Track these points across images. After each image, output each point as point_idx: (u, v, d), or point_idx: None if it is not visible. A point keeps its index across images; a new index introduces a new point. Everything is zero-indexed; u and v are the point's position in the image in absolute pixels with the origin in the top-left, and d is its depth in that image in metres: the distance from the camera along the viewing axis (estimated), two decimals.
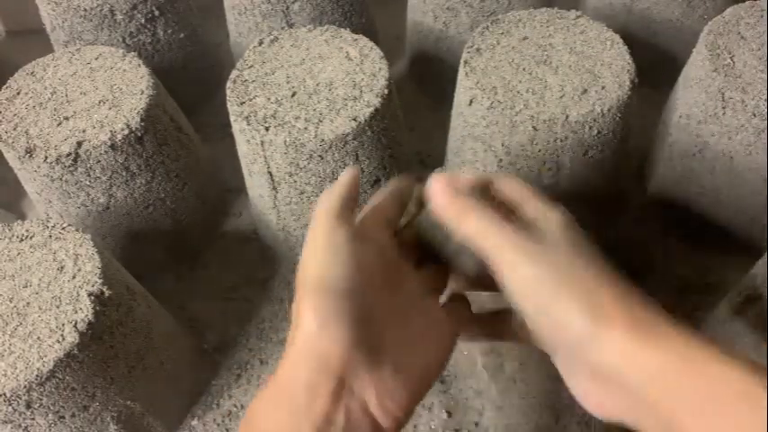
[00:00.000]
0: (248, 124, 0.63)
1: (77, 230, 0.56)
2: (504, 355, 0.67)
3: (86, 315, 0.51)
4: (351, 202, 0.37)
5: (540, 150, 0.64)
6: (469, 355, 0.68)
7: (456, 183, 0.36)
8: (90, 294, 0.52)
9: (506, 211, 0.37)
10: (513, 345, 0.69)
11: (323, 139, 0.62)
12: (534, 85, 0.64)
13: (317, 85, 0.66)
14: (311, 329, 0.31)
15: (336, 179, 0.40)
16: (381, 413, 0.31)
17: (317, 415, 0.30)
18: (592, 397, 0.33)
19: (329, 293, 0.31)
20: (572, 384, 0.34)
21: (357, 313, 0.31)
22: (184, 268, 0.80)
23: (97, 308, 0.52)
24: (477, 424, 0.63)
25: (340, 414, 0.30)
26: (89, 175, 0.65)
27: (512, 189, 0.38)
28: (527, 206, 0.37)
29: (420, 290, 0.38)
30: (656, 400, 0.29)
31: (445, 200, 0.36)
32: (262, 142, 0.63)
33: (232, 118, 0.65)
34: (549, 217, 0.36)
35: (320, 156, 0.63)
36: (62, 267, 0.54)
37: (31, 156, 0.63)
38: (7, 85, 0.70)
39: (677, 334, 0.31)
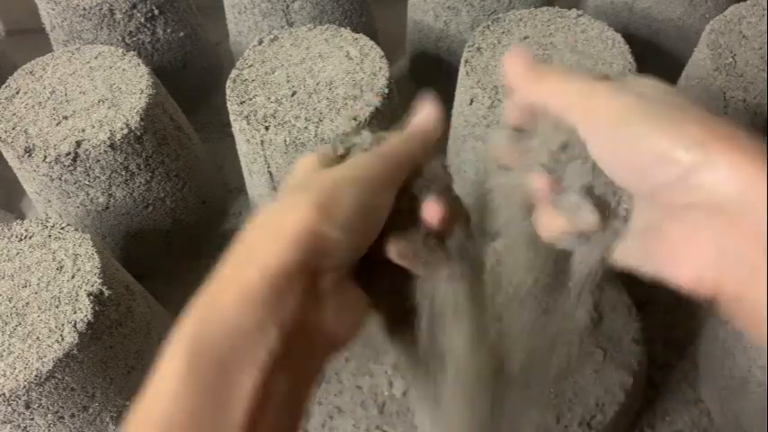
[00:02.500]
0: (248, 123, 0.63)
1: (77, 230, 0.56)
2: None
3: (86, 315, 0.51)
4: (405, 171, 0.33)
5: None
6: None
7: (527, 53, 0.32)
8: (89, 294, 0.52)
9: None
10: None
11: (323, 139, 0.61)
12: None
13: (317, 84, 0.66)
14: (305, 220, 0.27)
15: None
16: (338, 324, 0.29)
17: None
18: (681, 260, 0.28)
19: (340, 211, 0.28)
20: (654, 255, 0.29)
21: (359, 237, 0.29)
22: (184, 268, 0.80)
23: (96, 308, 0.52)
24: None
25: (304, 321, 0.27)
26: (88, 175, 0.65)
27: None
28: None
29: None
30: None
31: (519, 70, 0.32)
32: (262, 142, 0.63)
33: (232, 117, 0.65)
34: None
35: None
36: (61, 267, 0.54)
37: (30, 155, 0.63)
38: (6, 84, 0.70)
39: None
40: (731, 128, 0.25)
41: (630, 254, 0.30)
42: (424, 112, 0.37)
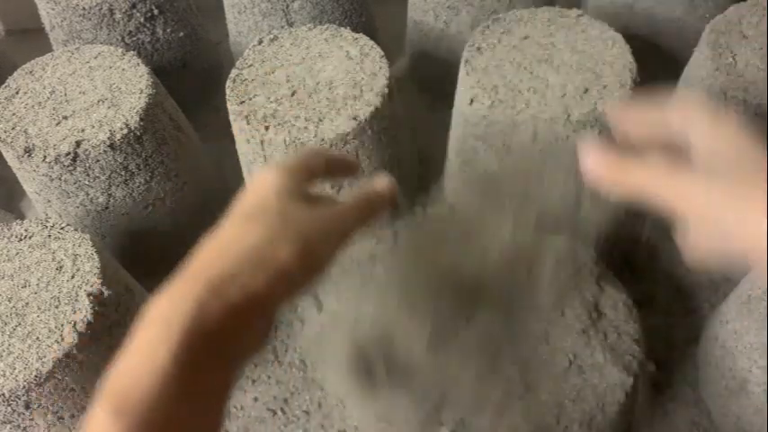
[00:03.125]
0: (248, 123, 0.63)
1: (76, 230, 0.56)
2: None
3: (85, 315, 0.51)
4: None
5: (541, 150, 0.64)
6: None
7: (606, 148, 0.34)
8: (89, 294, 0.52)
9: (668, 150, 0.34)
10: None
11: (323, 139, 0.61)
12: (535, 84, 0.64)
13: (317, 84, 0.66)
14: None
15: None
16: None
17: None
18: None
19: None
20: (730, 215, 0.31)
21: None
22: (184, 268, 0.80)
23: (96, 308, 0.52)
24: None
25: None
26: (88, 175, 0.65)
27: (668, 120, 0.35)
28: (692, 135, 0.34)
29: None
30: None
31: (602, 167, 0.34)
32: (261, 141, 0.63)
33: (232, 117, 0.65)
34: (718, 142, 0.34)
35: None
36: (61, 267, 0.54)
37: (29, 155, 0.63)
38: (6, 84, 0.70)
39: None
40: None
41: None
42: (384, 183, 0.40)
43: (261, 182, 0.36)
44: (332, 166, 0.40)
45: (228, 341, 0.30)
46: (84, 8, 0.80)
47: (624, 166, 0.34)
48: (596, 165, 0.35)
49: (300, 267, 0.33)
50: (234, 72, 0.68)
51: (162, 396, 0.27)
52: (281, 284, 0.32)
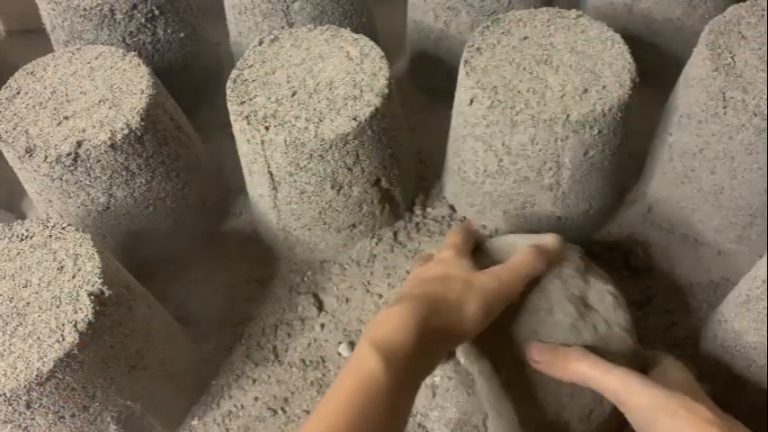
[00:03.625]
0: (248, 124, 0.63)
1: (77, 230, 0.56)
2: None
3: (86, 315, 0.51)
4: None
5: (540, 150, 0.64)
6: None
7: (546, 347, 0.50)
8: (90, 294, 0.52)
9: None
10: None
11: (323, 139, 0.62)
12: (535, 84, 0.64)
13: (318, 84, 0.66)
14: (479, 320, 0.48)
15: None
16: None
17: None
18: None
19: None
20: None
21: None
22: (184, 268, 0.80)
23: (97, 308, 0.52)
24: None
25: None
26: (89, 175, 0.65)
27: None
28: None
29: None
30: None
31: (545, 358, 0.49)
32: (262, 142, 0.63)
33: (232, 117, 0.65)
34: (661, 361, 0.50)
35: (320, 155, 0.63)
36: (62, 267, 0.54)
37: (30, 155, 0.63)
38: (7, 84, 0.70)
39: None
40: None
41: None
42: (551, 239, 0.56)
43: (446, 258, 0.53)
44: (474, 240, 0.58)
45: (432, 344, 0.45)
46: (85, 9, 0.80)
47: (565, 356, 0.48)
48: (537, 356, 0.49)
49: (478, 327, 0.47)
50: (234, 72, 0.68)
51: (411, 353, 0.42)
52: (461, 336, 0.47)
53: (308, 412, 0.68)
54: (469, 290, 0.47)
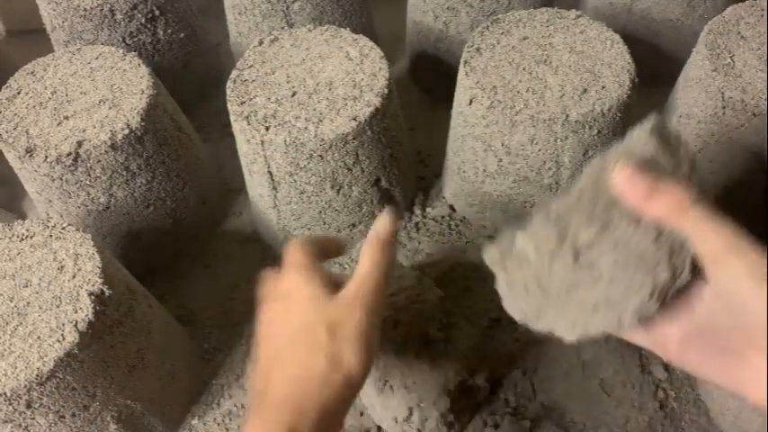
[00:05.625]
0: (248, 124, 0.63)
1: (78, 230, 0.56)
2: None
3: (86, 315, 0.51)
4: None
5: (539, 150, 0.64)
6: None
7: (638, 169, 0.35)
8: (90, 294, 0.52)
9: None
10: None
11: (323, 139, 0.62)
12: (534, 84, 0.64)
13: (317, 84, 0.66)
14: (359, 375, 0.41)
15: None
16: None
17: None
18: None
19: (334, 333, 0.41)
20: (731, 373, 0.33)
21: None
22: (184, 268, 0.80)
23: (97, 307, 0.52)
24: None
25: None
26: (89, 175, 0.65)
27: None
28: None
29: None
30: None
31: (634, 181, 0.35)
32: (262, 142, 0.63)
33: (232, 118, 0.65)
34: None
35: (320, 155, 0.63)
36: (62, 267, 0.54)
37: (31, 155, 0.63)
38: (7, 84, 0.70)
39: None
40: None
41: (691, 349, 0.34)
42: (381, 225, 0.46)
43: (290, 288, 0.45)
44: (324, 251, 0.48)
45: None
46: (85, 9, 0.80)
47: (681, 200, 0.33)
48: (633, 190, 0.35)
49: (363, 371, 0.40)
50: (234, 73, 0.68)
51: None
52: (349, 390, 0.40)
53: None
54: (335, 337, 0.40)
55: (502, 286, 0.39)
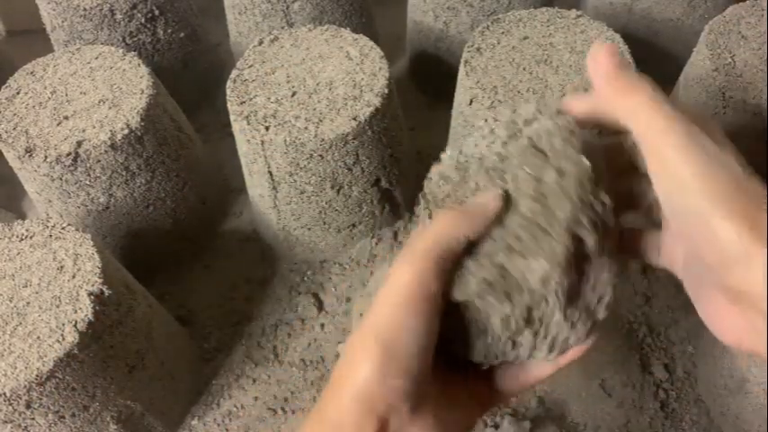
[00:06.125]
0: (248, 124, 0.63)
1: (77, 230, 0.56)
2: None
3: (86, 315, 0.51)
4: (455, 255, 0.32)
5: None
6: None
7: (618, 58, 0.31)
8: (90, 294, 0.52)
9: None
10: None
11: (323, 139, 0.62)
12: (535, 84, 0.64)
13: (318, 84, 0.66)
14: (370, 379, 0.30)
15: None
16: None
17: None
18: (724, 323, 0.30)
19: (399, 356, 0.30)
20: (701, 306, 0.31)
21: (419, 373, 0.31)
22: (184, 268, 0.80)
23: (97, 307, 0.52)
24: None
25: None
26: (89, 175, 0.65)
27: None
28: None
29: None
30: None
31: (610, 69, 0.31)
32: (262, 142, 0.63)
33: (232, 117, 0.65)
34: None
35: (320, 155, 0.63)
36: (62, 267, 0.54)
37: (30, 155, 0.63)
38: (7, 84, 0.70)
39: None
40: None
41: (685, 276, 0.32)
42: (486, 196, 0.34)
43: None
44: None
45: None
46: (85, 9, 0.80)
47: (629, 83, 0.30)
48: (598, 67, 0.31)
49: (384, 378, 0.31)
50: (234, 72, 0.68)
51: None
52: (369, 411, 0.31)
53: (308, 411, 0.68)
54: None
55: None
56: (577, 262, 0.31)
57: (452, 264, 0.32)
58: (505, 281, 0.31)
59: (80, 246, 0.55)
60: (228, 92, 0.66)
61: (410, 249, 0.32)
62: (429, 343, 0.31)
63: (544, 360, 0.34)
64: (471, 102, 0.65)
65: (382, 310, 0.31)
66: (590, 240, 0.31)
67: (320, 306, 0.76)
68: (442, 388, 0.33)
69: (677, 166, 0.28)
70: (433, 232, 0.32)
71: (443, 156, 0.36)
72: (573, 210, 0.31)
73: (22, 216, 0.90)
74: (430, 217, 0.34)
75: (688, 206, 0.28)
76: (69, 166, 0.64)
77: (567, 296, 0.31)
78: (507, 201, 0.32)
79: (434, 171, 0.36)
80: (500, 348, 0.33)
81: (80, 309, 0.51)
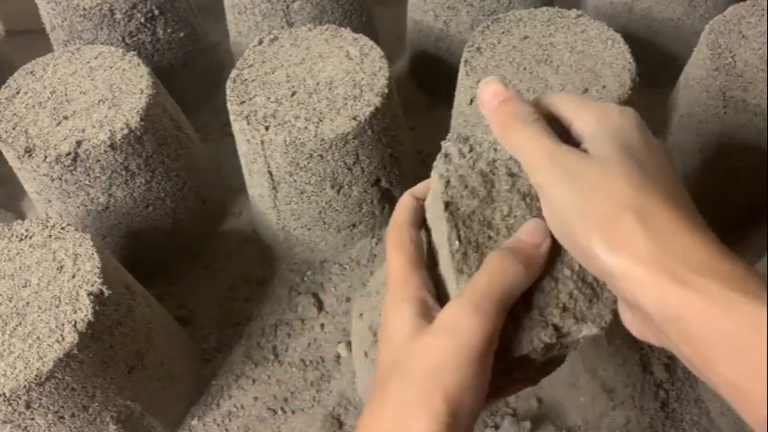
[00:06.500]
0: (248, 123, 0.63)
1: (77, 230, 0.56)
2: None
3: (86, 315, 0.51)
4: (511, 306, 0.31)
5: None
6: None
7: (506, 91, 0.33)
8: (89, 294, 0.52)
9: (560, 129, 0.33)
10: None
11: (323, 139, 0.62)
12: (535, 84, 0.64)
13: (318, 84, 0.66)
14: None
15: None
16: None
17: None
18: (632, 324, 0.31)
19: (465, 416, 0.29)
20: (619, 308, 0.32)
21: (472, 425, 0.30)
22: (184, 268, 0.80)
23: (97, 308, 0.52)
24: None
25: None
26: (89, 175, 0.65)
27: (563, 103, 0.33)
28: (579, 118, 0.32)
29: None
30: (681, 339, 0.26)
31: (493, 104, 0.33)
32: (262, 141, 0.63)
33: (232, 117, 0.65)
34: (600, 124, 0.31)
35: (320, 155, 0.63)
36: (61, 267, 0.54)
37: (30, 155, 0.63)
38: (7, 84, 0.70)
39: (707, 268, 0.26)
40: (647, 230, 0.27)
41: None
42: (530, 226, 0.33)
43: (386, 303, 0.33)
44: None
45: None
46: (84, 8, 0.80)
47: (512, 114, 0.32)
48: (486, 103, 0.33)
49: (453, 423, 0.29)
50: (234, 72, 0.68)
51: None
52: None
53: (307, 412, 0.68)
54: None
55: None
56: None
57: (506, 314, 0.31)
58: (559, 340, 0.32)
59: (80, 246, 0.55)
60: (228, 91, 0.66)
61: (473, 293, 0.30)
62: (483, 401, 0.30)
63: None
64: (471, 101, 0.65)
65: (452, 365, 0.29)
66: None
67: (320, 306, 0.76)
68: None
69: (559, 193, 0.29)
70: (495, 276, 0.30)
71: (447, 145, 0.35)
72: None
73: (22, 216, 0.90)
74: (459, 239, 0.33)
75: (563, 233, 0.30)
76: (69, 166, 0.64)
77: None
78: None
79: (445, 168, 0.35)
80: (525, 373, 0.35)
81: (80, 309, 0.51)
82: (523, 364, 0.33)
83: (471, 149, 0.35)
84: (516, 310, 0.31)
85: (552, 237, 0.32)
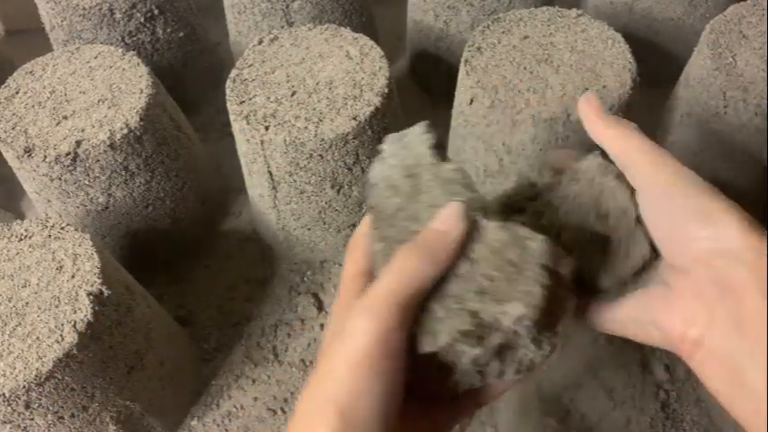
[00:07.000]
0: (248, 123, 0.63)
1: (76, 230, 0.56)
2: None
3: (85, 315, 0.51)
4: (419, 301, 0.29)
5: (541, 150, 0.64)
6: None
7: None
8: (89, 294, 0.52)
9: None
10: None
11: (323, 139, 0.61)
12: (535, 84, 0.64)
13: (317, 84, 0.66)
14: None
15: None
16: None
17: None
18: (685, 310, 0.30)
19: (360, 424, 0.27)
20: (663, 298, 0.32)
21: (374, 422, 0.28)
22: (184, 268, 0.80)
23: (96, 308, 0.52)
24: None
25: None
26: (88, 175, 0.65)
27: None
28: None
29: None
30: None
31: (594, 110, 0.36)
32: (261, 141, 0.63)
33: (232, 117, 0.65)
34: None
35: (320, 155, 0.63)
36: (61, 267, 0.54)
37: (29, 155, 0.63)
38: (6, 84, 0.70)
39: None
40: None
41: (626, 313, 0.35)
42: (444, 212, 0.31)
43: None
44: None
45: None
46: (84, 8, 0.80)
47: (610, 120, 0.35)
48: (586, 110, 0.36)
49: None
50: (234, 72, 0.68)
51: None
52: None
53: None
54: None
55: None
56: (551, 293, 0.28)
57: (416, 310, 0.29)
58: (477, 328, 0.28)
59: (79, 246, 0.55)
60: (228, 91, 0.66)
61: (369, 296, 0.28)
62: (392, 406, 0.28)
63: (510, 379, 0.32)
64: (472, 101, 0.65)
65: (339, 372, 0.27)
66: (567, 270, 0.30)
67: (320, 306, 0.76)
68: (400, 426, 0.30)
69: (666, 169, 0.32)
70: (393, 275, 0.29)
71: (384, 147, 0.34)
72: (546, 240, 0.29)
73: (21, 216, 0.89)
74: (381, 240, 0.31)
75: (686, 195, 0.30)
76: (68, 166, 0.63)
77: (538, 326, 0.28)
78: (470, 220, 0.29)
79: (377, 171, 0.34)
80: (466, 381, 0.31)
81: (79, 309, 0.51)
82: (446, 366, 0.30)
83: (404, 147, 0.34)
84: (431, 303, 0.29)
85: (469, 218, 0.30)
